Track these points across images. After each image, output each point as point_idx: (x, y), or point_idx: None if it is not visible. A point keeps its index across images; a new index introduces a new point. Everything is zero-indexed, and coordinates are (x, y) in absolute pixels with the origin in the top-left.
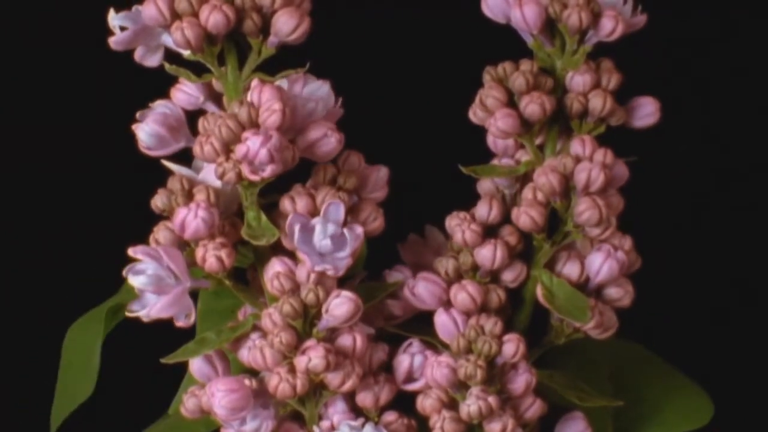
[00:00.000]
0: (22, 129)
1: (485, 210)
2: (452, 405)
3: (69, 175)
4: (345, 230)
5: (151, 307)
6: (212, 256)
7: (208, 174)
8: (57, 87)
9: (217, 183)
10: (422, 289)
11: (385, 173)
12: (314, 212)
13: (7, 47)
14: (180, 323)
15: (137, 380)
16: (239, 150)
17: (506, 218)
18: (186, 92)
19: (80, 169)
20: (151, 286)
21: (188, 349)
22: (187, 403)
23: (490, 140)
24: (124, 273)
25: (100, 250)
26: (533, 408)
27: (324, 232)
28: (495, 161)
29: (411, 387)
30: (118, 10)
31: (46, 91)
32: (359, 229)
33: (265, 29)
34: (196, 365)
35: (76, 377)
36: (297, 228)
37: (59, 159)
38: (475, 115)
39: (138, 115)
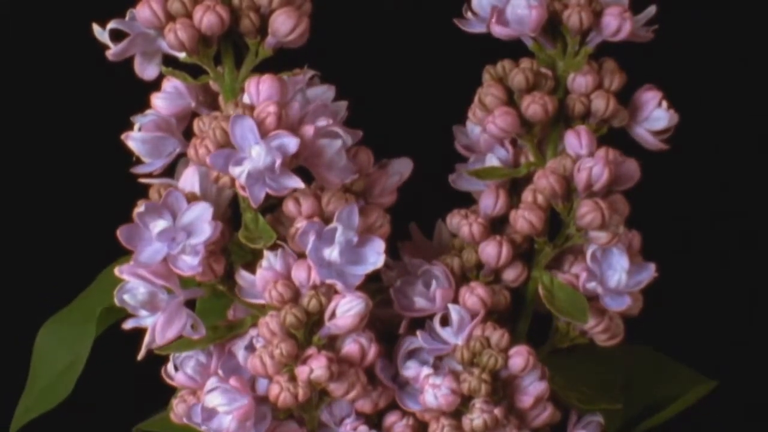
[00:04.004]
0: (15, 132)
1: (491, 201)
2: (453, 413)
3: (56, 183)
4: (362, 245)
5: (153, 336)
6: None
7: (187, 180)
8: (48, 94)
9: (197, 188)
10: (439, 298)
11: (396, 180)
12: (320, 214)
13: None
14: (196, 336)
15: (130, 374)
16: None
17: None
18: (166, 99)
19: (70, 177)
20: (144, 305)
21: (182, 343)
22: (177, 409)
23: (462, 141)
24: (114, 293)
25: (87, 257)
26: (543, 415)
27: (344, 235)
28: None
29: (413, 410)
30: (100, 23)
31: (35, 95)
32: (380, 245)
33: (263, 30)
34: (181, 379)
35: (51, 377)
36: (312, 237)
37: (50, 165)
38: (474, 114)
39: (132, 118)
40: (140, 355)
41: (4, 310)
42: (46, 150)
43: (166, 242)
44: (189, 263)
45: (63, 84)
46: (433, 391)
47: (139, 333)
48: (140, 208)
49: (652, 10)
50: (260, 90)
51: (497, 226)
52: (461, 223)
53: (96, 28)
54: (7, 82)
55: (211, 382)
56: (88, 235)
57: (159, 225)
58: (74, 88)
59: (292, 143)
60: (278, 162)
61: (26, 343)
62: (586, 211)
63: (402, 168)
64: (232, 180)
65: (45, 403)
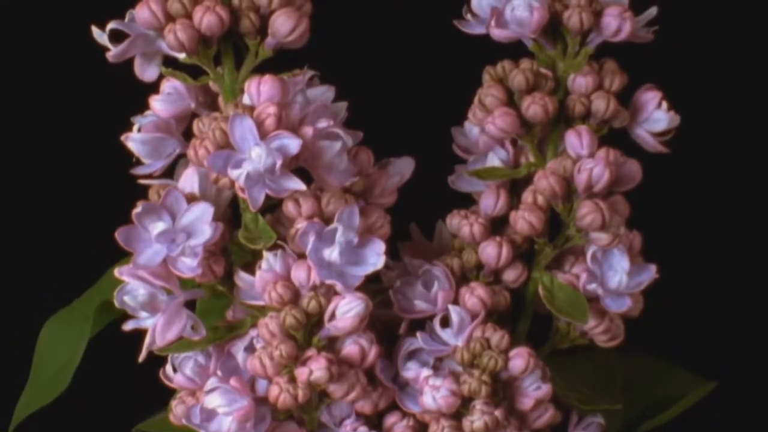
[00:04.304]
0: (16, 132)
1: (491, 201)
2: (453, 414)
3: (58, 183)
4: (362, 246)
5: (153, 337)
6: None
7: (187, 180)
8: (48, 94)
9: (196, 188)
10: (441, 300)
11: (397, 181)
12: (320, 215)
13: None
14: (197, 338)
15: (130, 375)
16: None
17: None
18: (165, 101)
19: (72, 177)
20: (144, 306)
21: (183, 344)
22: (176, 410)
23: (461, 142)
24: (114, 295)
25: (87, 253)
26: (545, 417)
27: (345, 236)
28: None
29: (413, 411)
30: (101, 24)
31: (35, 96)
32: (381, 246)
33: (263, 30)
34: (179, 380)
35: (50, 373)
36: (312, 237)
37: (52, 166)
38: (474, 115)
39: (132, 119)
40: (141, 357)
41: (7, 310)
42: (47, 150)
43: (166, 244)
44: (189, 265)
45: (63, 85)
46: (431, 394)
47: (138, 333)
48: (138, 208)
49: (653, 11)
50: (261, 91)
51: (497, 226)
52: (462, 223)
53: (95, 30)
54: (7, 82)
55: (212, 382)
56: (91, 236)
57: (158, 227)
58: (74, 88)
59: (293, 144)
60: (278, 163)
61: (28, 343)
62: (586, 212)
63: (403, 168)
64: (232, 181)
65: (43, 398)
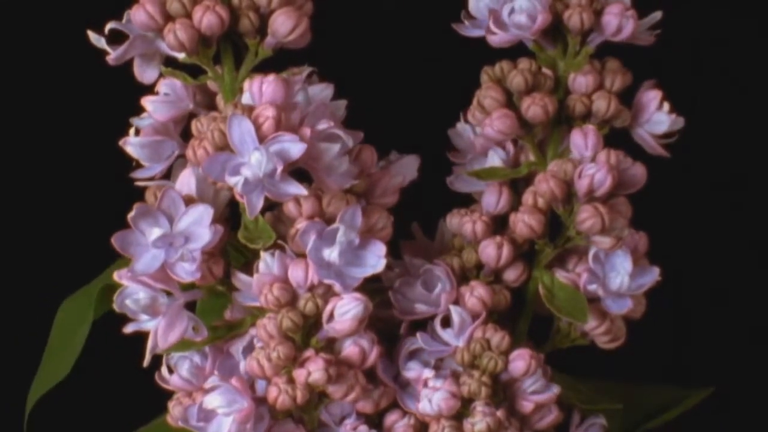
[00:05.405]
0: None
1: (494, 198)
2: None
3: (61, 184)
4: (363, 247)
5: (155, 340)
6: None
7: (184, 182)
8: (49, 96)
9: (194, 190)
10: (443, 301)
11: (399, 181)
12: (321, 215)
13: None
14: (198, 339)
15: (132, 373)
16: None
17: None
18: (162, 104)
19: (77, 178)
20: (145, 309)
21: (183, 343)
22: (173, 411)
23: (459, 143)
24: (114, 299)
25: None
26: (548, 418)
27: (346, 236)
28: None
29: (413, 411)
30: (100, 25)
31: (37, 98)
32: (381, 249)
33: (263, 30)
34: (176, 382)
35: (57, 358)
36: (312, 237)
37: (56, 166)
38: (473, 117)
39: (130, 120)
40: (146, 362)
41: (6, 311)
42: (47, 151)
43: (164, 248)
44: (187, 269)
45: (62, 85)
46: (428, 398)
47: (138, 333)
48: (133, 211)
49: (657, 15)
50: (263, 91)
51: (499, 225)
52: (464, 221)
53: (92, 35)
54: (7, 83)
55: (212, 380)
56: (93, 237)
57: (155, 232)
58: (74, 89)
59: (294, 148)
60: (279, 169)
61: (27, 343)
62: (586, 217)
63: (406, 168)
64: None
65: (48, 382)
